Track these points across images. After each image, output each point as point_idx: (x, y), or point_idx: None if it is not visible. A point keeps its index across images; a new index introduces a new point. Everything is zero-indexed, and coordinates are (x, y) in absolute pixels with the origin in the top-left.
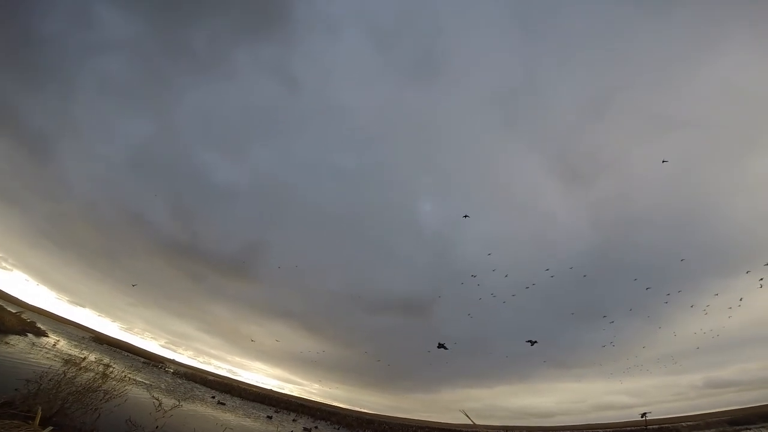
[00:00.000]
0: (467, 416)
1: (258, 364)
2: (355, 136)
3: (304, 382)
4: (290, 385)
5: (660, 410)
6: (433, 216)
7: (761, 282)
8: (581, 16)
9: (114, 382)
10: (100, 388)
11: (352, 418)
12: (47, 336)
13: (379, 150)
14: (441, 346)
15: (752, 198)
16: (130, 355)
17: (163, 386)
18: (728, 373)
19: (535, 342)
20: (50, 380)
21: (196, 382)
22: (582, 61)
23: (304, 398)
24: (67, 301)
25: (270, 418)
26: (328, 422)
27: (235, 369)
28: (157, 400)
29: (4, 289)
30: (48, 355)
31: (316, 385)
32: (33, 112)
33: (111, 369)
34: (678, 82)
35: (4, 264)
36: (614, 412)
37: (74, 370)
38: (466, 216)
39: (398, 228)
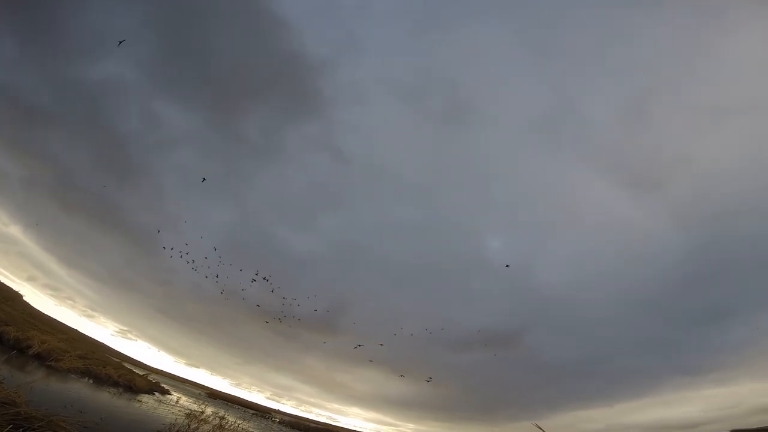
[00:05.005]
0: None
1: (354, 409)
2: (411, 189)
3: (399, 423)
4: (386, 428)
5: None
6: (503, 251)
7: None
8: (589, 21)
9: None
10: None
11: None
12: (170, 394)
13: (436, 198)
14: None
15: None
16: (241, 407)
17: None
18: None
19: None
20: (177, 431)
21: (300, 430)
22: (605, 67)
23: None
24: (184, 363)
25: None
26: None
27: (333, 415)
28: None
29: (131, 356)
30: (173, 410)
31: (411, 425)
32: (135, 208)
33: (226, 420)
34: (711, 67)
35: (129, 336)
36: None
37: (196, 422)
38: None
39: (470, 269)
